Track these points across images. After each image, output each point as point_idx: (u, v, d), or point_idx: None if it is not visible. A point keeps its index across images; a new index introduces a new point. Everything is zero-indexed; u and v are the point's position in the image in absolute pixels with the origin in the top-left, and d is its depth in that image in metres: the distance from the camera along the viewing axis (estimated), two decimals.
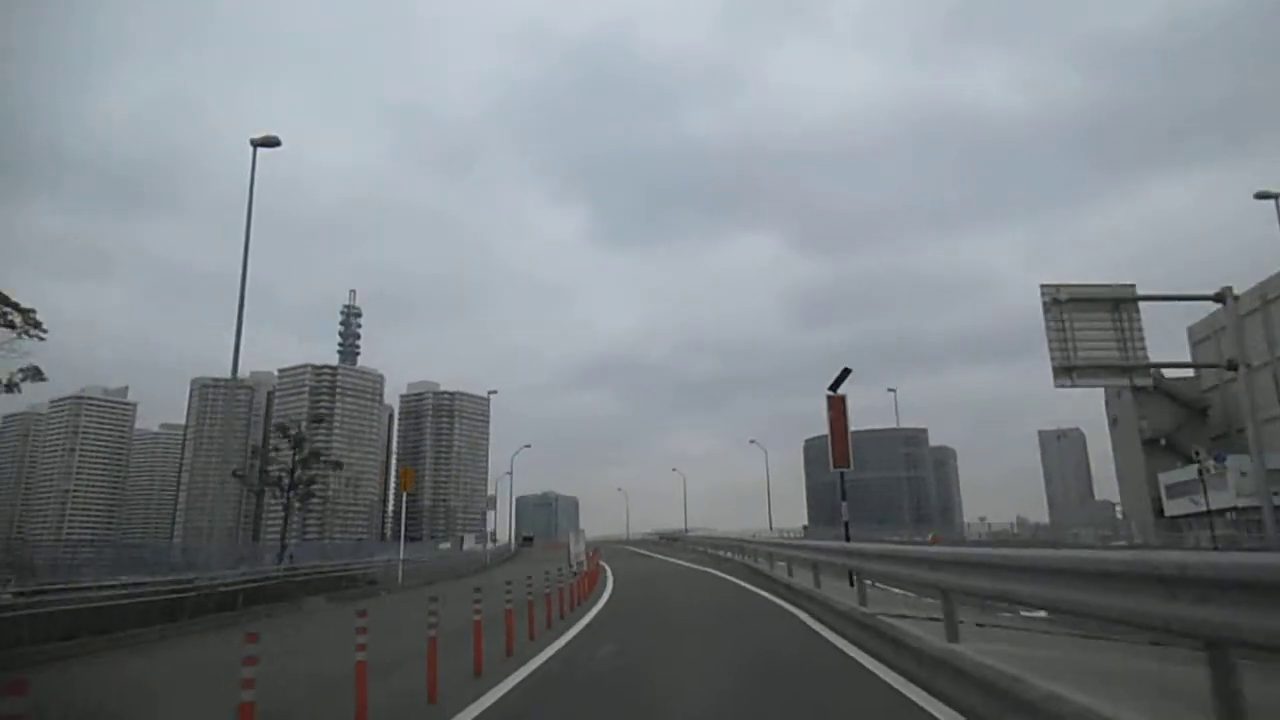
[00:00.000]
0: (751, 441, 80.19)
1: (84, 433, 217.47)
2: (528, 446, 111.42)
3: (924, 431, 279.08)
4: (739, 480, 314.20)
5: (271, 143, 24.63)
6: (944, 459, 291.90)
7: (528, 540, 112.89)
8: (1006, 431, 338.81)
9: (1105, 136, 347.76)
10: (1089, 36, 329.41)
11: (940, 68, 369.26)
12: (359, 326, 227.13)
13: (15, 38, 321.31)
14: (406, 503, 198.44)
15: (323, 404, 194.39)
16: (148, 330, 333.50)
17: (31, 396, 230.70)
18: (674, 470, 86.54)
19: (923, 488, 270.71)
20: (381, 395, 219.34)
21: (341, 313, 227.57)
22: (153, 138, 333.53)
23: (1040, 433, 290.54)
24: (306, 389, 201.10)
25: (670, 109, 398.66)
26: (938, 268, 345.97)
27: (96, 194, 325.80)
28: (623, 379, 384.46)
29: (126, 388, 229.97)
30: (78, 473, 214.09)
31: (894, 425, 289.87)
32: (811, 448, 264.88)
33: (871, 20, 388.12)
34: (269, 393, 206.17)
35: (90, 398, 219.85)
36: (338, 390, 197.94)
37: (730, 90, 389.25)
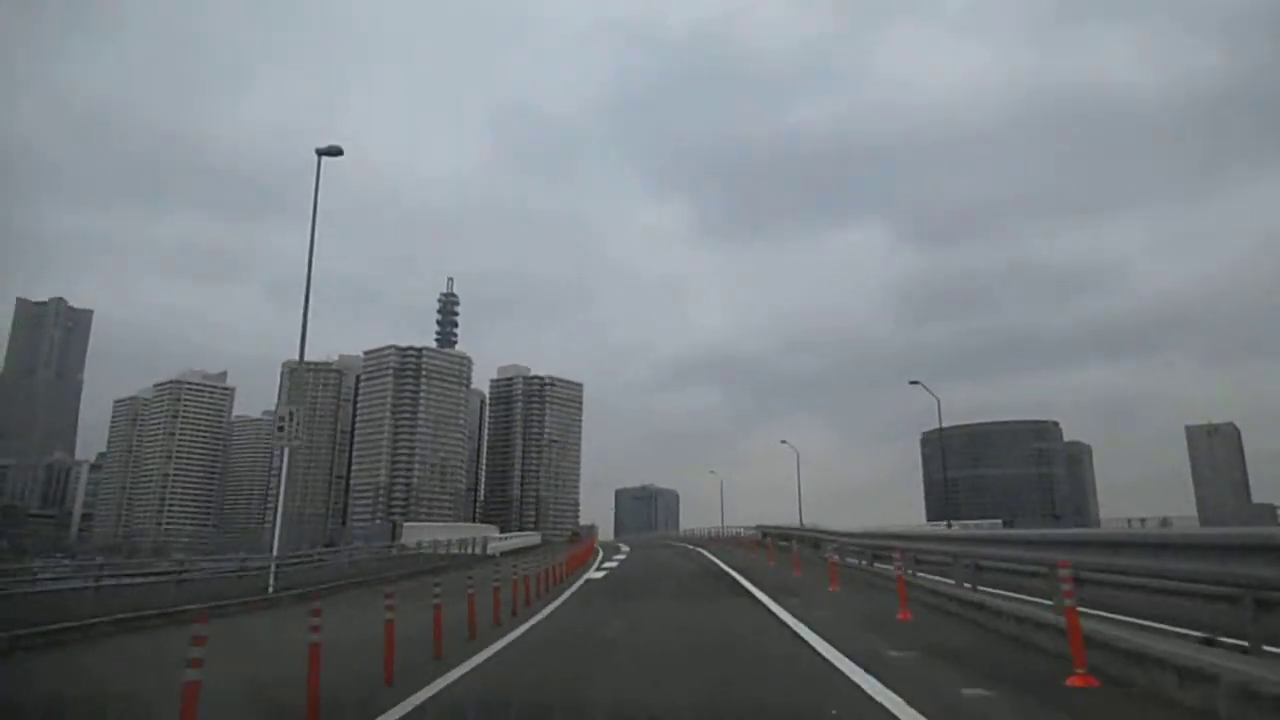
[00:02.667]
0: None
1: (183, 417, 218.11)
2: None
3: (1056, 425, 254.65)
4: (845, 478, 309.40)
5: (334, 152, 24.33)
6: (1078, 455, 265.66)
7: (575, 536, 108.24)
8: (1143, 429, 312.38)
9: (1240, 116, 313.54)
10: (1221, 7, 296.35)
11: (1056, 48, 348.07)
12: (456, 315, 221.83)
13: (159, 52, 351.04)
14: (496, 492, 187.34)
15: (407, 388, 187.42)
16: (269, 328, 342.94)
17: (144, 381, 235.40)
18: (783, 443, 74.15)
19: (1054, 485, 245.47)
20: (469, 379, 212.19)
21: (439, 301, 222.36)
22: (280, 146, 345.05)
23: (1188, 428, 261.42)
24: (391, 371, 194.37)
25: (774, 100, 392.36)
26: (1055, 258, 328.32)
27: (230, 200, 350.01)
28: (725, 375, 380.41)
29: (225, 373, 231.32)
30: (177, 456, 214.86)
31: (1022, 418, 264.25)
32: (930, 442, 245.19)
33: (983, 1, 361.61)
34: (356, 377, 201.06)
35: (189, 382, 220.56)
36: (423, 373, 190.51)
37: (835, 79, 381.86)
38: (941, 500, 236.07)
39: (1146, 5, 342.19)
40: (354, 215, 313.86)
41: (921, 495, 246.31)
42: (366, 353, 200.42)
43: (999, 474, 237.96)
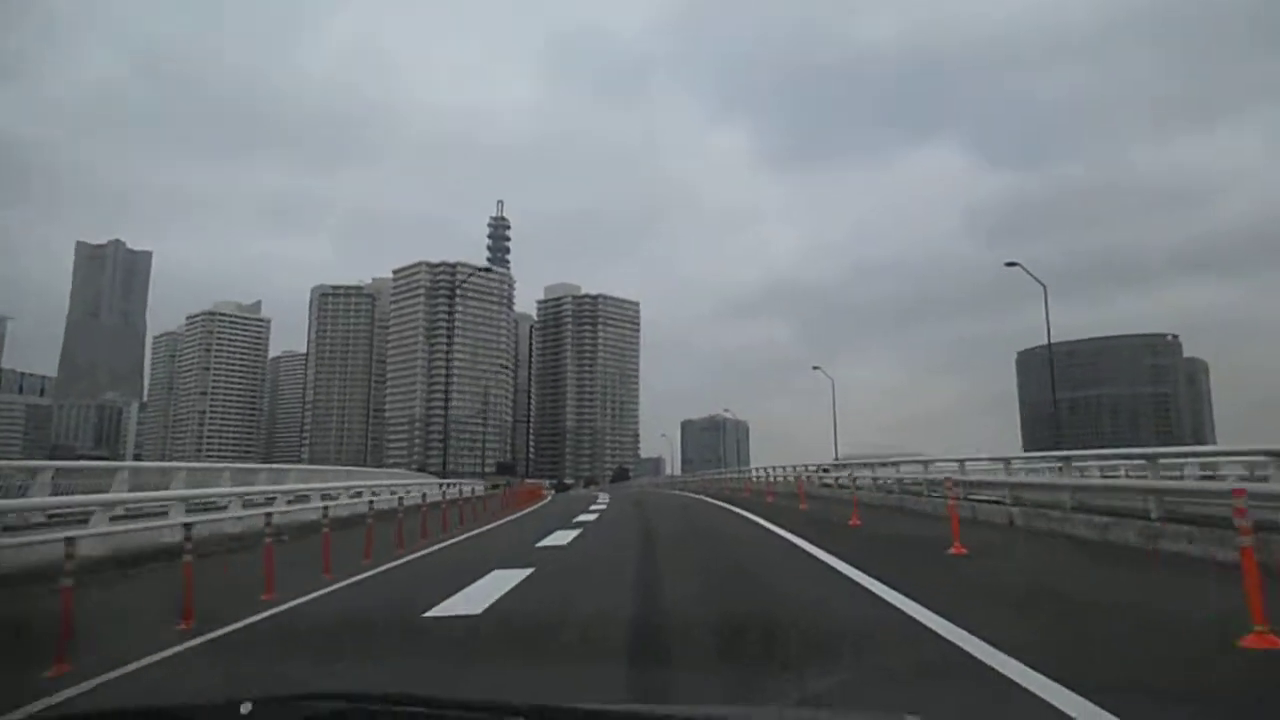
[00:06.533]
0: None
1: (217, 350, 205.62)
2: None
3: (1174, 339, 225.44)
4: (927, 407, 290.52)
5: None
6: (1194, 373, 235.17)
7: (564, 488, 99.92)
8: (1263, 349, 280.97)
9: None
10: None
11: None
12: (508, 240, 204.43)
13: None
14: (546, 424, 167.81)
15: (441, 309, 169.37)
16: (335, 270, 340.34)
17: (181, 316, 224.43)
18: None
19: (1171, 406, 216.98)
20: (511, 299, 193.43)
21: (489, 225, 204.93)
22: (349, 93, 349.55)
23: None
24: (422, 291, 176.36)
25: (842, 11, 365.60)
26: (1154, 173, 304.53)
27: (299, 147, 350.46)
28: (796, 304, 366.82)
29: (259, 302, 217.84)
30: (213, 392, 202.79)
31: (1135, 331, 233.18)
32: (1029, 359, 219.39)
33: None
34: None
35: (222, 314, 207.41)
36: (459, 292, 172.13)
37: None
38: (1043, 425, 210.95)
39: None
40: (416, 152, 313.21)
41: (1017, 422, 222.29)
42: (396, 271, 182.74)
43: (1110, 394, 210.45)
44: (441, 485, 31.36)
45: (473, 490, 30.99)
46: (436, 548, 14.15)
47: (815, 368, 64.52)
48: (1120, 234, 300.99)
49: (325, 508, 13.57)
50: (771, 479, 34.22)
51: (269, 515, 11.52)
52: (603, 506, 28.69)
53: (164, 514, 13.32)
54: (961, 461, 18.47)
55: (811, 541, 12.09)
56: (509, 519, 22.56)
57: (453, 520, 18.67)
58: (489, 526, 19.45)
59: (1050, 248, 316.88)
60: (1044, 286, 36.51)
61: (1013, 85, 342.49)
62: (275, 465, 30.63)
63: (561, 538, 15.00)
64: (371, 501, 17.54)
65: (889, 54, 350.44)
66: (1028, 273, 36.60)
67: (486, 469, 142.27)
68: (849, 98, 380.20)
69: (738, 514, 19.98)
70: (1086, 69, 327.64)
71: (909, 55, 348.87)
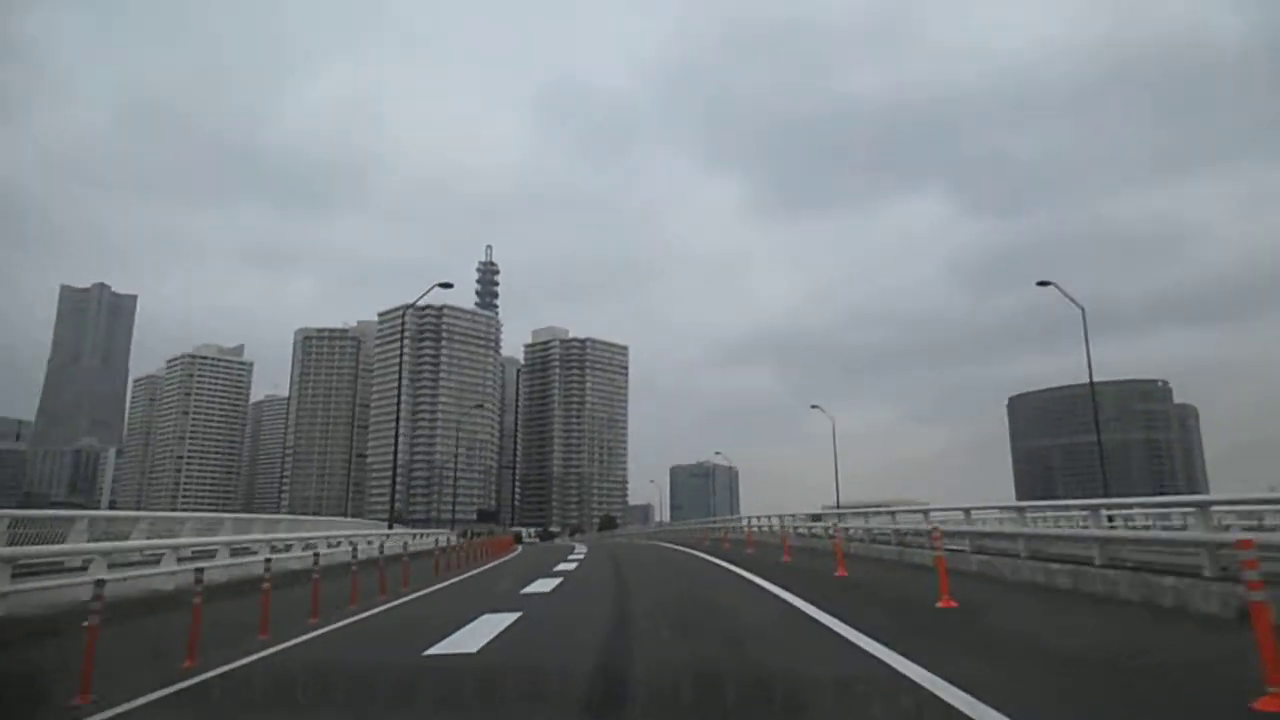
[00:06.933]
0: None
1: (197, 394, 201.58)
2: None
3: (1165, 385, 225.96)
4: (915, 453, 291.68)
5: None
6: (1185, 418, 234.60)
7: (549, 536, 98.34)
8: (1250, 397, 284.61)
9: None
10: None
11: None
12: (496, 285, 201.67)
13: (211, 51, 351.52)
14: (533, 469, 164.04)
15: (426, 352, 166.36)
16: (321, 315, 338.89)
17: (164, 359, 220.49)
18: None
19: (1164, 453, 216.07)
20: (498, 343, 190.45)
21: (478, 270, 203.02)
22: (334, 140, 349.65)
23: None
24: (409, 334, 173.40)
25: (829, 66, 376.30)
26: (1132, 223, 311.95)
27: (288, 193, 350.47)
28: (785, 352, 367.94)
29: (242, 346, 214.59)
30: (191, 436, 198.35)
31: (1127, 377, 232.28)
32: (1020, 405, 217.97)
33: None
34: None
35: (204, 356, 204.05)
36: (444, 335, 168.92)
37: (894, 41, 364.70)
38: (1037, 471, 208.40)
39: None
40: (402, 203, 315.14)
41: (1009, 468, 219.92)
42: (381, 314, 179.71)
43: (1103, 439, 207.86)
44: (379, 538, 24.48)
45: (437, 541, 27.77)
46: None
47: (814, 406, 61.94)
48: (1095, 284, 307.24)
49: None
50: (753, 528, 32.20)
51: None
52: (573, 565, 24.00)
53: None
54: (968, 510, 16.35)
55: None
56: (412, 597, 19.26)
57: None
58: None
59: (1033, 294, 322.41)
60: (1082, 309, 33.62)
61: (992, 138, 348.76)
62: (203, 515, 25.41)
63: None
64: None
65: (872, 108, 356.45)
66: (1063, 293, 33.69)
67: (463, 516, 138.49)
68: (835, 148, 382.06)
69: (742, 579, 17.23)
70: (1062, 124, 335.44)
71: (891, 110, 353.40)
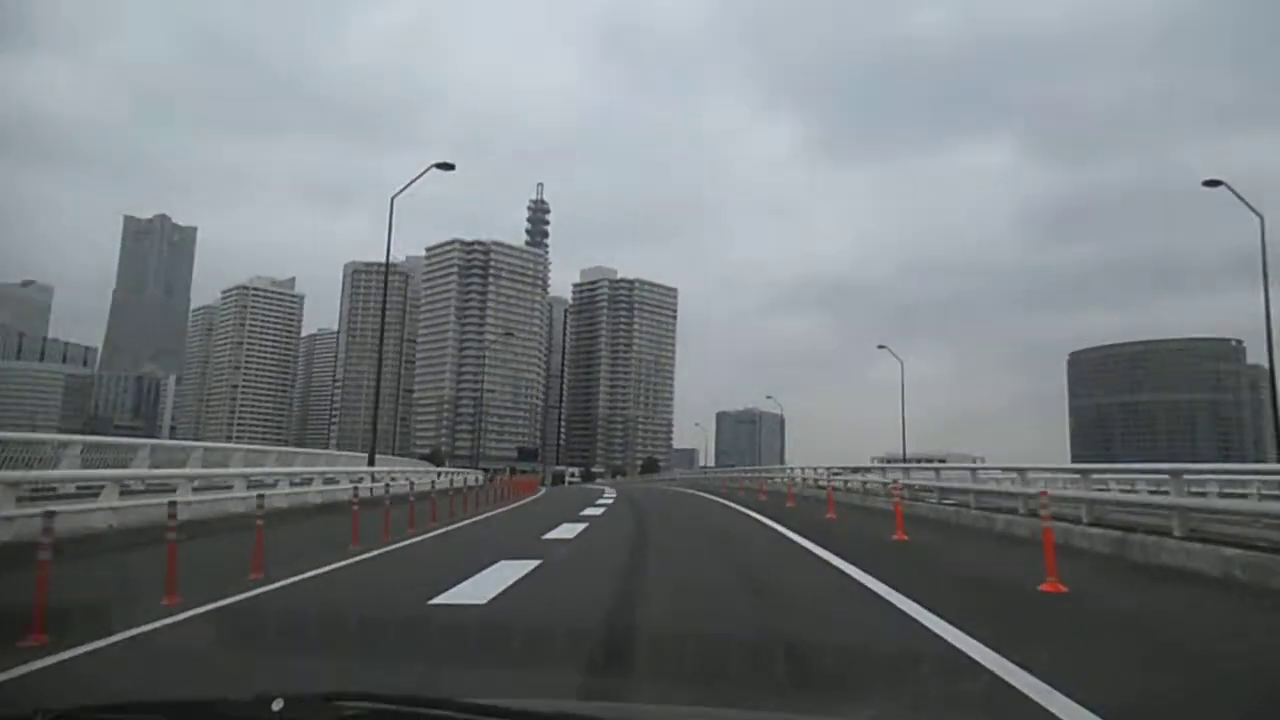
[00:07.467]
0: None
1: (251, 326, 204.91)
2: None
3: (1239, 344, 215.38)
4: (972, 408, 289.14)
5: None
6: (1256, 380, 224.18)
7: (590, 477, 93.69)
8: None
9: None
10: None
11: None
12: (547, 224, 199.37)
13: None
14: (578, 410, 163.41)
15: (474, 288, 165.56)
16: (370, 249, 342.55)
17: (218, 289, 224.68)
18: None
19: (1233, 415, 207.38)
20: (545, 280, 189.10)
21: (528, 208, 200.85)
22: (393, 74, 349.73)
23: None
24: (455, 270, 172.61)
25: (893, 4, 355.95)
26: (1209, 175, 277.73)
27: (346, 128, 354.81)
28: (834, 299, 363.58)
29: (294, 278, 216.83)
30: (246, 366, 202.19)
31: (1197, 335, 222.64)
32: (1080, 362, 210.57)
33: None
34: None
35: (256, 288, 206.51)
36: (491, 271, 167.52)
37: None
38: (1095, 429, 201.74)
39: None
40: (458, 137, 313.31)
41: (1065, 427, 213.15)
42: (429, 249, 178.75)
43: (1167, 400, 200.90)
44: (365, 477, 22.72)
45: (451, 481, 26.07)
46: None
47: (881, 346, 58.95)
48: (1169, 238, 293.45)
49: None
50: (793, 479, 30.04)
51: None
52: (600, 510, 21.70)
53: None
54: (1084, 471, 13.96)
55: None
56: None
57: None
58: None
59: (1100, 246, 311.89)
60: (1260, 217, 27.71)
61: (1064, 79, 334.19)
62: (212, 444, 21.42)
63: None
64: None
65: (941, 50, 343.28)
66: (1236, 195, 27.97)
67: (506, 453, 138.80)
68: (899, 89, 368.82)
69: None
70: (1140, 68, 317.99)
71: (961, 46, 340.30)
